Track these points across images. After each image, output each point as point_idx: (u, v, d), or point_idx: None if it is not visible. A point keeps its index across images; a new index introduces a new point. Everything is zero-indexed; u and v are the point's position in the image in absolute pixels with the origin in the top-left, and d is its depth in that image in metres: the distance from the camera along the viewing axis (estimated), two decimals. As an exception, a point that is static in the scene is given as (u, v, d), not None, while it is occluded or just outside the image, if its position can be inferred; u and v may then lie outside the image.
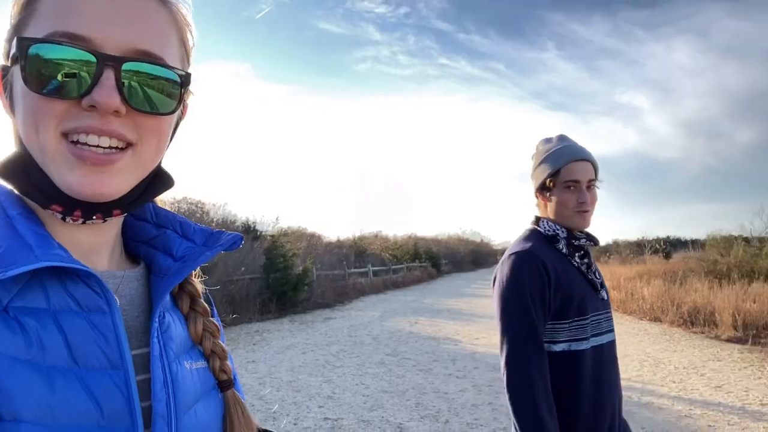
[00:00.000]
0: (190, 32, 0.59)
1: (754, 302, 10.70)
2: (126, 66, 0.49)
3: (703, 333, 9.63)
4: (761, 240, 16.56)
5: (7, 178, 0.54)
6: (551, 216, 1.62)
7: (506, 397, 1.44)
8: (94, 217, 0.53)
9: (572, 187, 1.57)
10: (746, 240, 17.31)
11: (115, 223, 0.60)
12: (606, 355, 1.54)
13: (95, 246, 0.58)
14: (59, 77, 0.48)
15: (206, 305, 0.67)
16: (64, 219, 0.53)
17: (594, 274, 1.61)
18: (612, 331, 1.59)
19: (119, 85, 0.49)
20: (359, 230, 27.95)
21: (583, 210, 1.57)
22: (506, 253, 1.60)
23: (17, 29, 0.51)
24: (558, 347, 1.49)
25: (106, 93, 0.47)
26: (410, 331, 10.14)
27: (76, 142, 0.49)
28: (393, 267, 23.94)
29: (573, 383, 1.47)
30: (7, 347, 0.45)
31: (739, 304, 10.29)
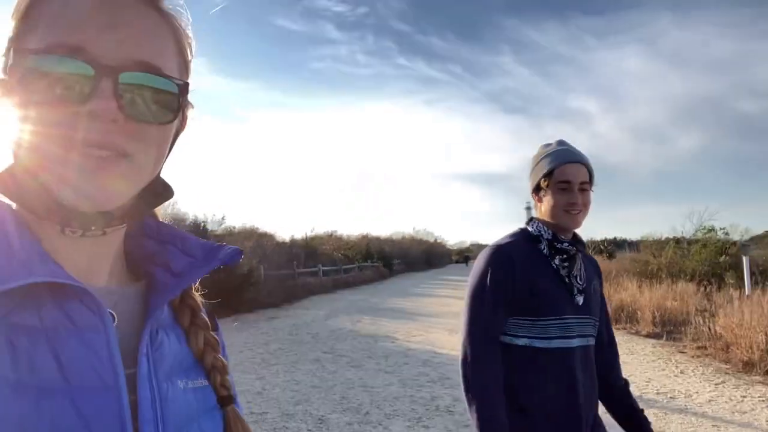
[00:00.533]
0: (189, 44, 0.58)
1: (675, 300, 11.47)
2: (124, 76, 0.49)
3: (625, 329, 10.25)
4: (689, 242, 17.62)
5: (2, 190, 0.53)
6: (544, 217, 1.66)
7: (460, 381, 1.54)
8: (92, 228, 0.53)
9: (564, 188, 1.60)
10: (677, 241, 18.37)
11: (115, 236, 0.58)
12: (578, 357, 1.56)
13: (94, 261, 0.57)
14: (56, 88, 0.47)
15: (206, 319, 0.66)
16: (62, 231, 0.52)
17: (575, 278, 1.62)
18: (585, 336, 1.60)
19: (117, 95, 0.48)
20: (312, 230, 27.89)
21: (573, 211, 1.59)
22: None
23: (15, 41, 0.51)
24: (520, 342, 1.54)
25: (105, 103, 0.48)
26: (351, 330, 10.39)
27: (75, 153, 0.49)
28: (344, 267, 24.14)
29: (533, 379, 1.53)
30: None
31: (661, 302, 11.02)
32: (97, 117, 0.48)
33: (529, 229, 1.67)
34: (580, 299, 1.60)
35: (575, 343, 1.56)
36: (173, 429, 0.54)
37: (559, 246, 1.61)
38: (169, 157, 0.60)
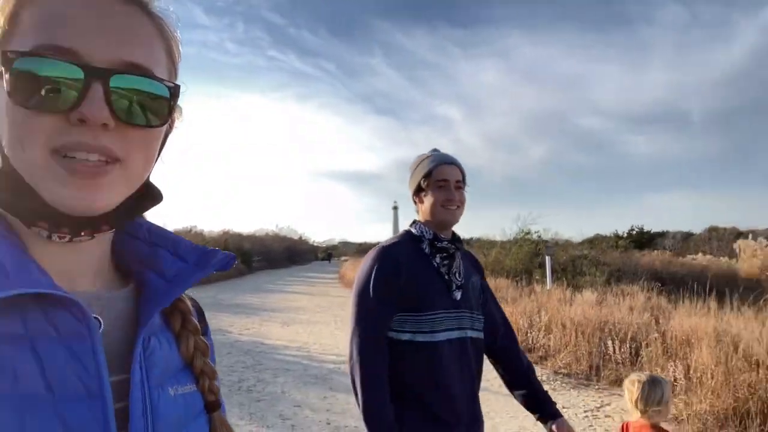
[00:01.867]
0: (176, 46, 0.58)
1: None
2: (114, 79, 0.48)
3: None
4: (512, 243, 20.09)
5: None
6: (426, 217, 1.79)
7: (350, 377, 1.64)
8: (82, 234, 0.52)
9: (442, 186, 1.75)
10: (503, 243, 20.83)
11: (102, 241, 0.58)
12: (454, 350, 1.67)
13: (80, 266, 0.56)
14: (46, 91, 0.46)
15: (197, 323, 0.65)
16: (49, 237, 0.51)
17: (454, 275, 1.73)
18: (463, 329, 1.70)
19: (108, 99, 0.48)
20: (164, 224, 26.81)
21: (451, 206, 1.74)
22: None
23: (1, 42, 0.50)
24: (404, 336, 1.64)
25: (95, 107, 0.47)
26: (187, 325, 10.59)
27: (65, 157, 0.48)
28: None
29: (414, 372, 1.64)
30: None
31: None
32: (87, 122, 0.47)
33: (413, 230, 1.80)
34: (458, 294, 1.72)
35: (454, 335, 1.67)
36: None
37: (439, 245, 1.74)
38: (158, 160, 0.59)
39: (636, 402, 2.44)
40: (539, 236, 19.46)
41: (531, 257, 18.23)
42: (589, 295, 11.11)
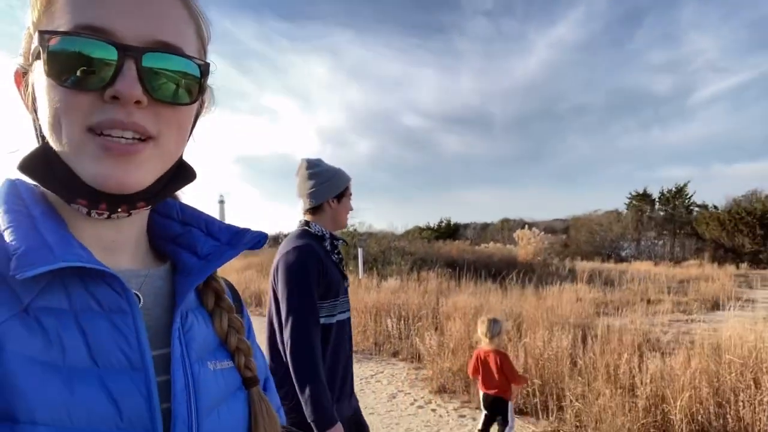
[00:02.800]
0: (206, 26, 0.58)
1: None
2: (147, 56, 0.49)
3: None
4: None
5: (30, 173, 0.53)
6: (333, 219, 2.07)
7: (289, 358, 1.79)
8: (119, 210, 0.53)
9: (349, 198, 2.13)
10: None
11: (139, 218, 0.59)
12: (345, 329, 2.02)
13: (119, 243, 0.57)
14: (81, 69, 0.47)
15: (231, 302, 0.66)
16: (89, 213, 0.52)
17: (343, 267, 2.10)
18: (346, 311, 2.03)
19: (141, 76, 0.48)
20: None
21: (349, 215, 2.16)
22: (288, 247, 1.91)
23: (37, 24, 0.51)
24: (321, 320, 1.92)
25: (129, 84, 0.47)
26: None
27: (100, 134, 0.48)
28: None
29: (325, 350, 1.90)
30: (24, 347, 0.45)
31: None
32: (121, 99, 0.48)
33: (312, 230, 2.02)
34: (347, 282, 2.09)
35: (344, 316, 2.01)
36: (205, 410, 0.54)
37: (336, 242, 2.06)
38: (190, 139, 0.60)
39: (485, 334, 3.73)
40: (355, 229, 20.77)
41: (348, 249, 19.39)
42: (392, 282, 12.39)
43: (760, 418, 3.53)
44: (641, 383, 4.10)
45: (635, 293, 12.49)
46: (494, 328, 3.76)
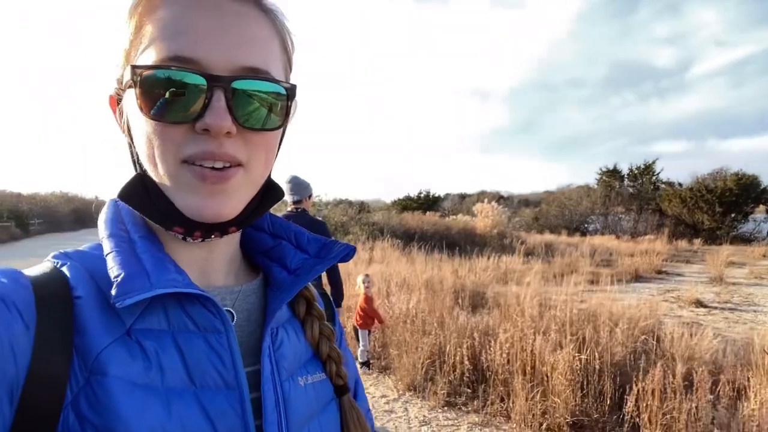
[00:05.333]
0: (290, 38, 0.59)
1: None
2: (235, 85, 0.49)
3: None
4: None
5: (130, 202, 0.54)
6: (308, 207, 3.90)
7: None
8: (212, 236, 0.55)
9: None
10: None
11: (232, 239, 0.61)
12: None
13: (213, 262, 0.59)
14: (171, 102, 0.48)
15: (321, 310, 0.68)
16: (184, 239, 0.55)
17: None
18: None
19: (229, 106, 0.49)
20: None
21: None
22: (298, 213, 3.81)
23: (128, 55, 0.52)
24: None
25: (218, 115, 0.48)
26: None
27: (193, 164, 0.50)
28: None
29: None
30: (126, 372, 0.47)
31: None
32: (212, 132, 0.49)
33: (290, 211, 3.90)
34: None
35: None
36: (295, 427, 0.56)
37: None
38: (277, 156, 0.60)
39: (359, 285, 5.42)
40: (319, 199, 21.51)
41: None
42: None
43: (495, 359, 4.38)
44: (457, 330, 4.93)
45: (567, 265, 13.34)
46: (366, 280, 5.45)
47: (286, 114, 0.55)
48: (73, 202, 40.10)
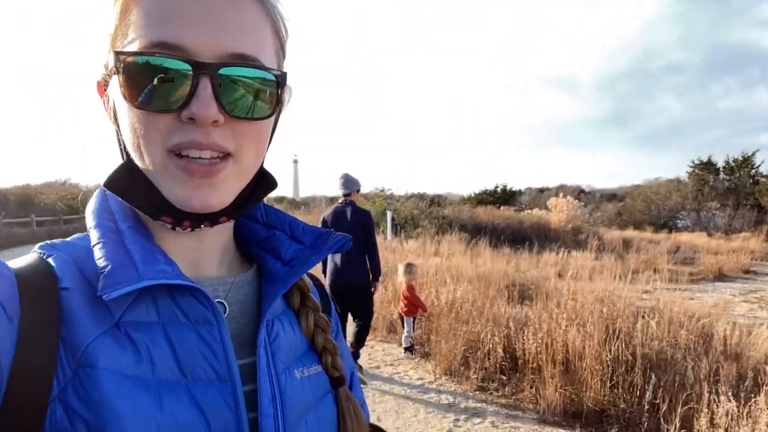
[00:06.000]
0: (284, 23, 0.56)
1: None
2: (222, 72, 0.48)
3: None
4: (366, 197, 22.43)
5: (117, 191, 0.53)
6: (357, 199, 4.74)
7: None
8: (202, 226, 0.54)
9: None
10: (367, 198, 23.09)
11: (224, 228, 0.60)
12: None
13: (204, 252, 0.58)
14: (156, 90, 0.47)
15: (316, 300, 0.67)
16: (173, 228, 0.53)
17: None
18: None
19: (216, 94, 0.47)
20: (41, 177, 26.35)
21: None
22: (347, 206, 4.63)
23: (114, 41, 0.51)
24: None
25: (204, 103, 0.47)
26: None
27: (180, 155, 0.48)
28: (64, 218, 23.79)
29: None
30: (115, 364, 0.46)
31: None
32: (198, 121, 0.47)
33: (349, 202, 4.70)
34: None
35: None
36: (292, 420, 0.55)
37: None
38: (270, 146, 0.58)
39: (402, 274, 5.63)
40: (391, 193, 21.91)
41: (384, 211, 20.56)
42: (413, 243, 13.48)
43: (540, 350, 4.45)
44: (500, 320, 5.06)
45: (644, 262, 12.80)
46: (409, 269, 5.62)
47: (277, 102, 0.54)
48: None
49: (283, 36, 0.57)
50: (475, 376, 4.61)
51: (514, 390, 4.40)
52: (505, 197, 36.51)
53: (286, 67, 0.58)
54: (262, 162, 0.58)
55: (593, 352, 3.99)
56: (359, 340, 4.73)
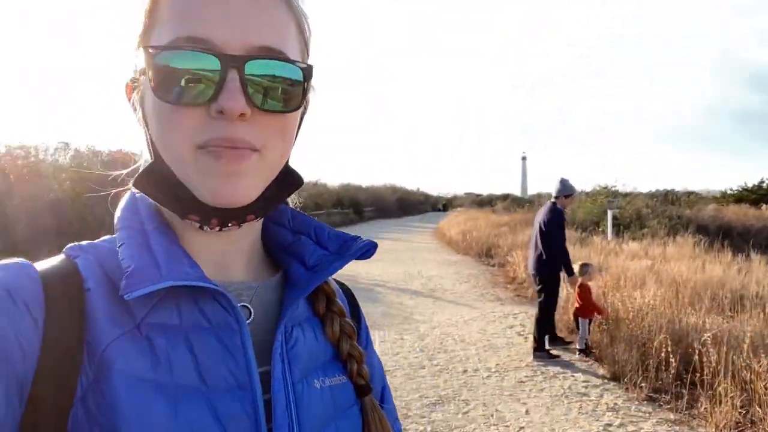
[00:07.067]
0: (307, 20, 0.57)
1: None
2: (249, 65, 0.48)
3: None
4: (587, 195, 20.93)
5: (144, 190, 0.53)
6: (563, 204, 5.66)
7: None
8: (229, 225, 0.53)
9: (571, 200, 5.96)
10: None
11: (250, 230, 0.59)
12: None
13: (231, 254, 0.57)
14: (186, 84, 0.47)
15: (342, 306, 0.65)
16: (201, 227, 0.53)
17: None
18: None
19: (244, 87, 0.48)
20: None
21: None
22: (548, 204, 5.73)
23: (141, 39, 0.52)
24: None
25: (232, 96, 0.47)
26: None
27: (208, 148, 0.48)
28: (311, 213, 27.30)
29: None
30: (132, 367, 0.45)
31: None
32: (226, 114, 0.47)
33: (557, 206, 5.61)
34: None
35: None
36: (308, 431, 0.53)
37: (565, 219, 5.74)
38: (295, 143, 0.58)
39: (578, 273, 5.62)
40: (617, 189, 20.09)
41: (605, 210, 19.01)
42: (634, 246, 12.48)
43: None
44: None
45: None
46: (583, 269, 5.60)
47: (304, 96, 0.54)
48: (398, 192, 46.51)
49: (307, 33, 0.58)
50: (645, 384, 4.28)
51: (689, 405, 3.98)
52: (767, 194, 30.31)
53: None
54: (288, 159, 0.58)
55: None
56: (536, 327, 5.38)
